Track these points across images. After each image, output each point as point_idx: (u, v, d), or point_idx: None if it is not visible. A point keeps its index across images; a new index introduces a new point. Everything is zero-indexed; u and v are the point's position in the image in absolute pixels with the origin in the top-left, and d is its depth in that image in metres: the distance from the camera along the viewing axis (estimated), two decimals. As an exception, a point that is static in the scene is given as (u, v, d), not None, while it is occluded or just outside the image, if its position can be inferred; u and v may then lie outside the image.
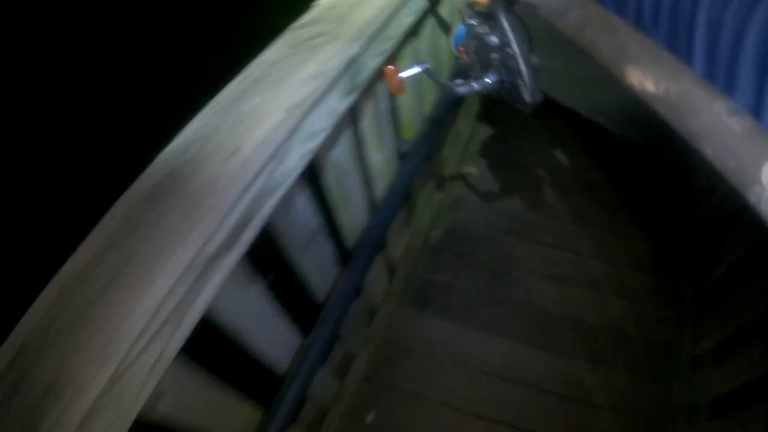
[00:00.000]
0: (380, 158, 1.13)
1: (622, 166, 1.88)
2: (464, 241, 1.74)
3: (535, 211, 1.85)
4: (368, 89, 0.88)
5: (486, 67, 0.57)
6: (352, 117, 0.89)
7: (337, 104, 0.67)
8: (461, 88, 0.56)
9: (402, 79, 0.57)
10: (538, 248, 1.73)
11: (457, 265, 1.64)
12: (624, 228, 1.70)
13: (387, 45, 0.87)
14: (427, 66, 0.57)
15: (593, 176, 1.92)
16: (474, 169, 1.97)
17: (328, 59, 0.64)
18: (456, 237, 1.75)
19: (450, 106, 1.42)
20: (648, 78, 0.35)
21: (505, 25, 0.52)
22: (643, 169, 1.81)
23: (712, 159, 0.34)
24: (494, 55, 0.55)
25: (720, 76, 0.34)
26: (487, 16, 0.56)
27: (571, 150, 1.99)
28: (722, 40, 0.32)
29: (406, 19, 0.94)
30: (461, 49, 0.60)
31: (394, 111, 1.15)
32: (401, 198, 1.22)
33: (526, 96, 0.53)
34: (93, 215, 0.55)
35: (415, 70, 0.56)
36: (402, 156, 1.21)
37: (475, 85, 0.56)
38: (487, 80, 0.55)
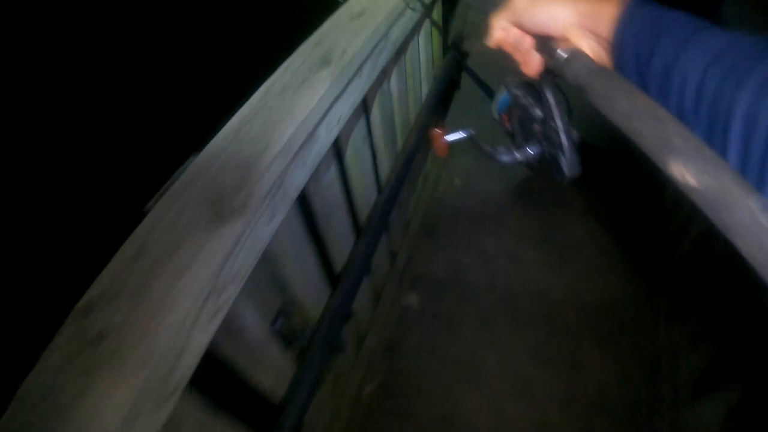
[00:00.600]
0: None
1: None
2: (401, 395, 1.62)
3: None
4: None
5: (527, 137, 0.60)
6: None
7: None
8: (505, 156, 0.59)
9: (447, 143, 0.60)
10: (490, 400, 1.61)
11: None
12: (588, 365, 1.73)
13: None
14: (473, 133, 0.60)
15: (554, 297, 1.90)
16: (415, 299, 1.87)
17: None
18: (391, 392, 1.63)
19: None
20: (689, 172, 0.38)
21: (551, 100, 0.55)
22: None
23: (744, 252, 0.36)
24: (537, 127, 0.59)
25: (752, 171, 0.37)
26: (533, 88, 0.60)
27: (533, 272, 1.99)
28: (757, 135, 0.36)
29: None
30: (504, 116, 0.64)
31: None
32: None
33: (566, 169, 0.56)
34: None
35: (461, 135, 0.60)
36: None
37: (518, 156, 0.59)
38: (529, 151, 0.59)
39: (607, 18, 0.46)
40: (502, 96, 0.64)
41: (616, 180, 2.13)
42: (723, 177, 0.37)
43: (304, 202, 0.94)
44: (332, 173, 1.07)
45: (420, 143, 1.61)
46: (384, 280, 1.74)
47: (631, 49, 0.44)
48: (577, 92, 0.50)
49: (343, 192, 1.20)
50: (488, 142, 0.60)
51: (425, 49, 1.70)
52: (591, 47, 0.49)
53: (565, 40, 0.50)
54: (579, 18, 0.48)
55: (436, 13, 1.72)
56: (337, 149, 1.09)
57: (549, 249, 2.04)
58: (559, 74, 0.50)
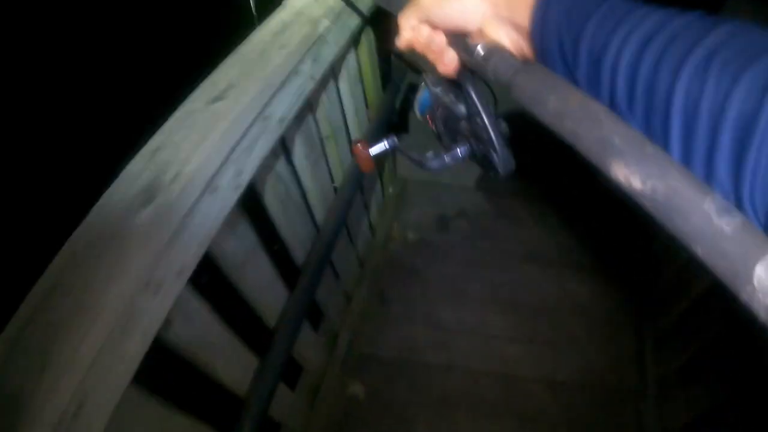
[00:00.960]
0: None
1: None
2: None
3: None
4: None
5: (454, 137, 0.55)
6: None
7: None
8: (434, 162, 0.54)
9: (371, 156, 0.54)
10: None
11: None
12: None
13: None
14: (396, 141, 0.55)
15: (521, 376, 1.69)
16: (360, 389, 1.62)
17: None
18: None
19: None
20: (634, 174, 0.33)
21: (474, 96, 0.50)
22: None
23: (702, 258, 0.32)
24: (463, 125, 0.54)
25: (698, 165, 0.33)
26: (453, 84, 0.54)
27: (498, 347, 1.75)
28: (700, 125, 0.32)
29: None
30: (428, 117, 0.58)
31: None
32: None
33: (499, 166, 0.52)
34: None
35: (384, 145, 0.54)
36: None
37: (447, 159, 0.54)
38: (458, 152, 0.54)
39: (523, 5, 0.41)
40: (422, 96, 0.58)
41: (595, 224, 2.03)
42: (672, 177, 0.32)
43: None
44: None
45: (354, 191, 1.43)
46: (323, 369, 1.54)
47: (554, 37, 0.40)
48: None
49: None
50: (415, 150, 0.54)
51: (351, 90, 1.40)
52: (510, 39, 0.44)
53: (481, 33, 0.45)
54: (493, 8, 0.43)
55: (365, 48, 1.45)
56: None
57: (517, 316, 1.80)
58: (479, 71, 0.45)
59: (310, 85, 0.97)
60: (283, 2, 1.03)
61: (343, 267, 1.60)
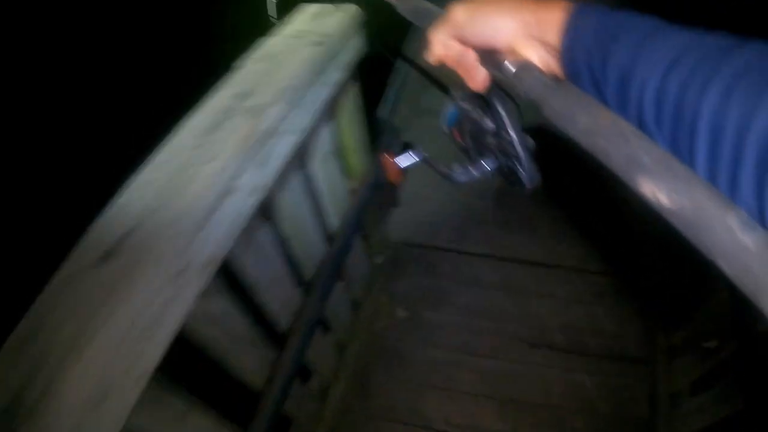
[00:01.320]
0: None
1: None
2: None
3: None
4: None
5: (481, 151, 0.57)
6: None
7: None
8: (461, 176, 0.56)
9: (400, 168, 0.56)
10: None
11: None
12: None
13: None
14: (425, 155, 0.57)
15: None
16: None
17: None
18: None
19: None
20: (661, 190, 0.35)
21: (502, 112, 0.52)
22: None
23: (726, 273, 0.34)
24: (490, 139, 0.56)
25: (722, 183, 0.35)
26: (481, 99, 0.56)
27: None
28: (724, 144, 0.33)
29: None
30: (454, 131, 0.60)
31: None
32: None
33: (525, 181, 0.53)
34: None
35: (413, 158, 0.56)
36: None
37: (474, 172, 0.56)
38: (486, 166, 0.56)
39: (554, 25, 0.43)
40: (449, 110, 0.60)
41: (607, 309, 1.77)
42: (697, 194, 0.34)
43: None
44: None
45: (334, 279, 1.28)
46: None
47: (583, 57, 0.42)
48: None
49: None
50: (443, 162, 0.56)
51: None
52: (540, 57, 0.46)
53: (512, 51, 0.47)
54: (524, 28, 0.45)
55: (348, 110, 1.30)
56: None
57: (515, 415, 1.59)
58: (509, 88, 0.47)
59: (253, 200, 0.77)
60: (215, 86, 0.83)
61: (318, 362, 1.42)
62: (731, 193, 0.34)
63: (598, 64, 0.40)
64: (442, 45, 0.51)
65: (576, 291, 1.84)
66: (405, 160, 0.56)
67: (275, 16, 1.63)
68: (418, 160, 0.57)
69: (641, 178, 0.36)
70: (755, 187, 0.32)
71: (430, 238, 2.05)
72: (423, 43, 0.54)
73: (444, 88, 0.59)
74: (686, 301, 1.64)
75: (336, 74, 1.09)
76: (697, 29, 0.37)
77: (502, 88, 0.51)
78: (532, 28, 0.45)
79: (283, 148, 0.87)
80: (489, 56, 0.48)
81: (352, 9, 1.10)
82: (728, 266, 0.34)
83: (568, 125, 0.40)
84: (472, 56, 0.50)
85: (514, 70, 0.45)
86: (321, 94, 1.02)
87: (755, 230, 0.33)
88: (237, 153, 0.71)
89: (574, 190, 2.04)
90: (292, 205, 1.06)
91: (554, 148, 0.53)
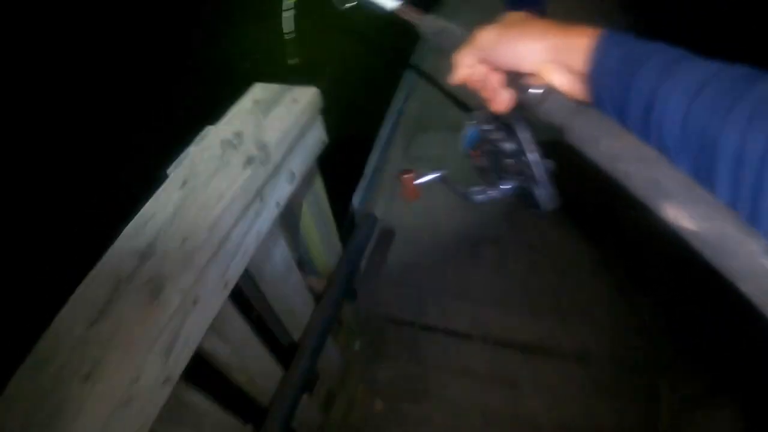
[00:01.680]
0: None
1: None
2: None
3: None
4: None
5: (500, 173, 0.58)
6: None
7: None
8: (479, 196, 0.57)
9: (418, 186, 0.58)
10: None
11: None
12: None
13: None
14: (445, 173, 0.58)
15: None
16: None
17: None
18: None
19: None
20: (683, 215, 0.36)
21: (523, 134, 0.54)
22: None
23: (749, 295, 0.35)
24: (509, 161, 0.57)
25: (743, 208, 0.35)
26: (501, 122, 0.58)
27: None
28: (746, 170, 0.34)
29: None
30: (473, 152, 0.62)
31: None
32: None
33: (543, 203, 0.54)
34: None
35: (432, 176, 0.57)
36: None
37: (493, 193, 0.57)
38: (504, 187, 0.57)
39: (580, 51, 0.44)
40: (469, 131, 0.62)
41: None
42: (720, 219, 0.35)
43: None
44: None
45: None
46: None
47: (608, 83, 0.43)
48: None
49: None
50: (461, 183, 0.57)
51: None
52: (565, 82, 0.47)
53: (537, 75, 0.48)
54: (551, 52, 0.46)
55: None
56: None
57: None
58: (532, 111, 0.48)
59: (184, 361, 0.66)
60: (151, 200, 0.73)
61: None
62: (751, 219, 0.35)
63: (622, 90, 0.42)
64: (467, 67, 0.53)
65: (575, 384, 1.64)
66: (424, 178, 0.57)
67: (292, 30, 1.64)
68: (436, 176, 0.58)
69: (664, 202, 0.37)
70: None
71: (416, 313, 1.85)
72: (447, 64, 0.55)
73: (466, 108, 0.60)
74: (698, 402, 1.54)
75: (282, 190, 0.88)
76: (720, 60, 0.38)
77: (523, 111, 0.52)
78: (558, 52, 0.46)
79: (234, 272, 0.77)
80: (514, 79, 0.49)
81: (309, 94, 0.92)
82: (750, 289, 0.34)
83: (591, 149, 0.41)
84: (497, 79, 0.51)
85: (539, 93, 0.47)
86: (261, 223, 0.83)
87: (776, 255, 0.34)
88: (177, 316, 0.64)
89: (582, 261, 1.93)
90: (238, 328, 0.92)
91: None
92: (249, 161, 0.77)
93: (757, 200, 0.34)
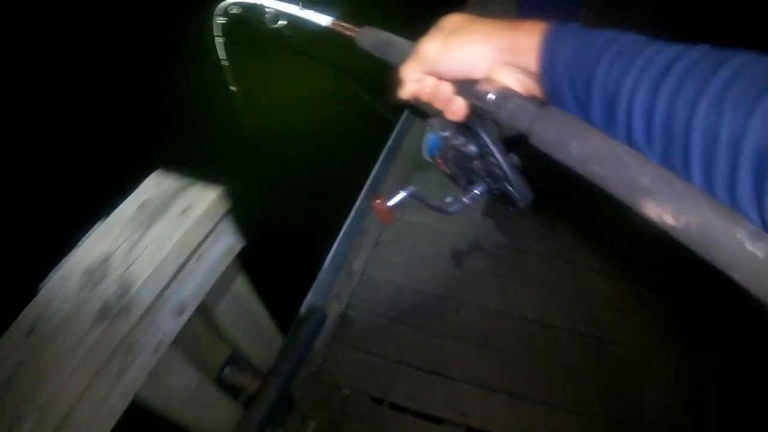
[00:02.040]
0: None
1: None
2: None
3: None
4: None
5: (469, 178, 0.57)
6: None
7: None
8: (454, 206, 0.55)
9: (391, 208, 0.56)
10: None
11: None
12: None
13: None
14: (413, 189, 0.56)
15: None
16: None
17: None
18: None
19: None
20: (666, 211, 0.35)
21: (486, 138, 0.52)
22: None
23: (741, 283, 0.34)
24: (476, 164, 0.55)
25: (720, 193, 0.34)
26: (461, 126, 0.56)
27: None
28: (720, 154, 0.33)
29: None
30: (438, 160, 0.60)
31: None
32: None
33: (518, 200, 0.53)
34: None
35: (403, 194, 0.56)
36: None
37: (466, 200, 0.55)
38: (476, 192, 0.55)
39: (530, 49, 0.43)
40: (429, 139, 0.60)
41: None
42: (704, 211, 0.34)
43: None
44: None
45: None
46: None
47: (564, 78, 0.41)
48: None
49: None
50: (429, 195, 0.55)
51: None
52: (518, 81, 0.46)
53: (489, 79, 0.46)
54: (499, 54, 0.45)
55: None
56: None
57: None
58: (491, 116, 0.46)
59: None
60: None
61: None
62: (730, 205, 0.34)
63: (581, 85, 0.40)
64: (415, 81, 0.50)
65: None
66: (395, 199, 0.55)
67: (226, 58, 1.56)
68: (406, 195, 0.56)
69: (644, 201, 0.36)
70: (754, 195, 0.32)
71: (384, 388, 1.64)
72: (394, 80, 0.53)
73: (422, 116, 0.58)
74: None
75: (163, 330, 0.74)
76: (679, 43, 0.37)
77: (480, 112, 0.50)
78: (507, 54, 0.44)
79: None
80: (467, 86, 0.47)
81: (208, 199, 0.75)
82: (741, 277, 0.34)
83: (559, 153, 0.40)
84: (448, 88, 0.49)
85: (494, 97, 0.45)
86: (131, 375, 0.69)
87: (763, 240, 0.33)
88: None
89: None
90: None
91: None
92: (104, 312, 0.62)
93: (733, 185, 0.33)
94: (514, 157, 0.54)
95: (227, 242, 0.82)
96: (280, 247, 1.83)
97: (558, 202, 1.76)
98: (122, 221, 0.73)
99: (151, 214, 0.73)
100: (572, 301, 1.80)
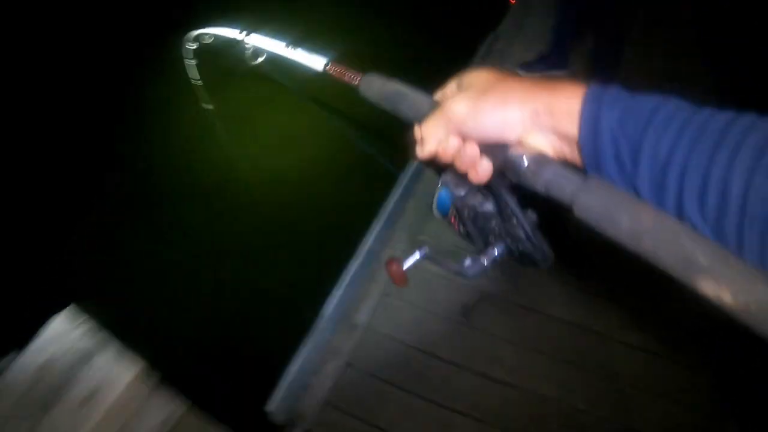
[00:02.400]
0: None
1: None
2: None
3: None
4: None
5: (486, 237, 0.55)
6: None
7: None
8: (472, 269, 0.53)
9: (405, 271, 0.53)
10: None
11: None
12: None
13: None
14: (427, 250, 0.54)
15: None
16: None
17: None
18: None
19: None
20: (725, 291, 0.35)
21: (509, 200, 0.51)
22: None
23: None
24: (494, 223, 0.54)
25: None
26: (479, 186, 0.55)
27: None
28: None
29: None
30: (452, 219, 0.58)
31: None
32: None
33: (539, 260, 0.52)
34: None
35: (417, 257, 0.53)
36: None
37: (485, 261, 0.54)
38: (495, 252, 0.54)
39: (568, 113, 0.42)
40: (440, 196, 0.58)
41: None
42: (762, 290, 0.34)
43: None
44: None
45: None
46: None
47: (609, 146, 0.40)
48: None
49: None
50: (446, 255, 0.53)
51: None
52: (552, 147, 0.45)
53: (521, 143, 0.45)
54: (534, 117, 0.44)
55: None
56: None
57: None
58: (523, 183, 0.45)
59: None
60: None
61: None
62: None
63: (627, 154, 0.40)
64: (437, 140, 0.48)
65: None
66: (409, 261, 0.53)
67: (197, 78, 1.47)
68: (421, 257, 0.54)
69: (701, 279, 0.36)
70: None
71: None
72: (411, 137, 0.51)
73: (436, 170, 0.55)
74: None
75: None
76: (727, 112, 0.37)
77: (508, 175, 0.49)
78: (543, 116, 0.43)
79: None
80: (495, 149, 0.46)
81: (121, 384, 0.62)
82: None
83: (608, 227, 0.39)
84: (475, 150, 0.47)
85: (530, 165, 0.44)
86: None
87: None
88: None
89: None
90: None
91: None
92: None
93: None
94: (533, 215, 0.53)
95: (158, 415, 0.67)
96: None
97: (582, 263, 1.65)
98: (15, 394, 0.56)
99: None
100: (594, 378, 1.64)
